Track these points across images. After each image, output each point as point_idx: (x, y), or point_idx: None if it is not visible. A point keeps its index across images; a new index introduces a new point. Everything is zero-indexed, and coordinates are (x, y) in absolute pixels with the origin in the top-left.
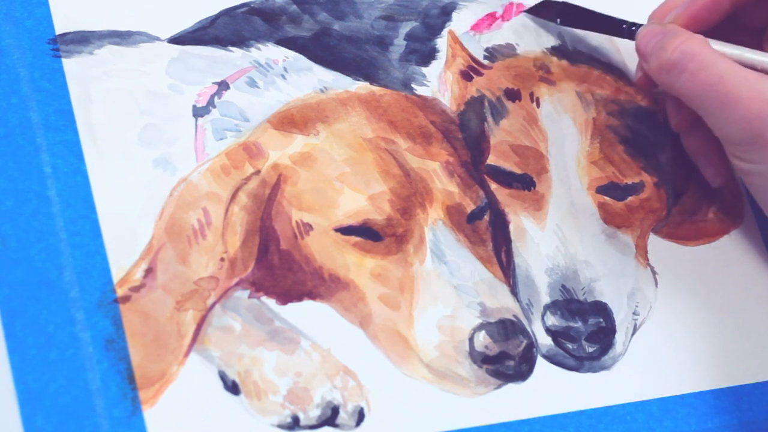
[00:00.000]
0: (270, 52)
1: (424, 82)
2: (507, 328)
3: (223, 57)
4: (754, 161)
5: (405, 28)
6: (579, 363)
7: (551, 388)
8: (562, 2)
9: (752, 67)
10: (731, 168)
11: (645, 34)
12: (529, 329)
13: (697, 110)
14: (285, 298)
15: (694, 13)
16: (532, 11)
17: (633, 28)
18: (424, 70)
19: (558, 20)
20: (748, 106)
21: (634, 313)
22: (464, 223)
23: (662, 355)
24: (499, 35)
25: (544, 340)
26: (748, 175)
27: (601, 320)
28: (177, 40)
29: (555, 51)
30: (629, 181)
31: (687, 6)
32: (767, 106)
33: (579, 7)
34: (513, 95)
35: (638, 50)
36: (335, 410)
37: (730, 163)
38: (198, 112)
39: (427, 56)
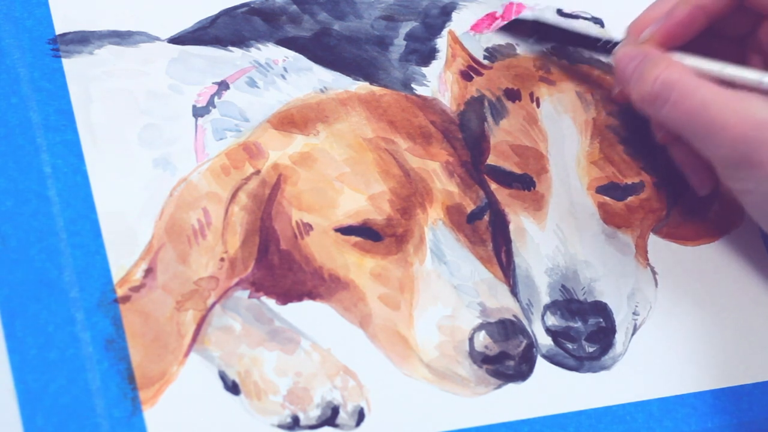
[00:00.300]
0: (270, 52)
1: (424, 82)
2: (507, 328)
3: (223, 57)
4: (744, 181)
5: (405, 28)
6: (579, 363)
7: (551, 388)
8: (533, 21)
9: (733, 83)
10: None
11: (622, 57)
12: (529, 329)
13: (683, 136)
14: (285, 298)
15: (671, 29)
16: (506, 29)
17: (608, 45)
18: (424, 70)
19: (532, 39)
20: (733, 131)
21: (634, 313)
22: (464, 223)
23: (662, 355)
24: (499, 35)
25: (544, 340)
26: (740, 194)
27: (601, 320)
28: (177, 40)
29: (555, 51)
30: (629, 181)
31: (663, 22)
32: (752, 129)
33: (551, 25)
34: (513, 95)
35: (617, 73)
36: (335, 410)
37: (722, 184)
38: (198, 112)
39: (427, 56)
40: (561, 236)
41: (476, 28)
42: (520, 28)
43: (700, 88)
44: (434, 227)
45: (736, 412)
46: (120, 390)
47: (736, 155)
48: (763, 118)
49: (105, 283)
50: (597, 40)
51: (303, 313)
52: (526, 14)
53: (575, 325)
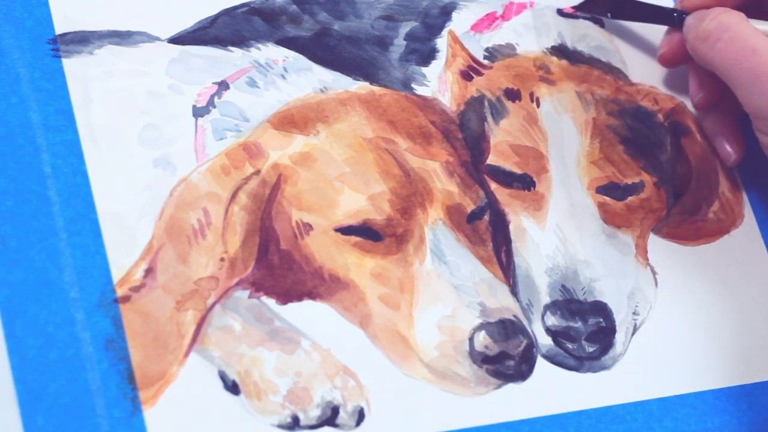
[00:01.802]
0: (270, 52)
1: (424, 82)
2: (507, 328)
3: (223, 57)
4: None
5: (405, 28)
6: (579, 363)
7: (551, 388)
8: None
9: None
10: (751, 144)
11: (693, 14)
12: (529, 329)
13: (728, 81)
14: (285, 298)
15: None
16: (583, 8)
17: (683, 15)
18: (424, 70)
19: (609, 14)
20: None
21: (634, 313)
22: (464, 223)
23: (662, 355)
24: (499, 35)
25: (544, 340)
26: None
27: (601, 320)
28: (177, 40)
29: (555, 51)
30: (629, 181)
31: None
32: None
33: (625, 0)
34: (513, 95)
35: (685, 28)
36: (335, 410)
37: (758, 140)
38: (198, 112)
39: (427, 56)
40: (561, 236)
41: (476, 28)
42: (596, 4)
43: (754, 35)
44: (434, 227)
45: (736, 412)
46: (120, 390)
47: None
48: None
49: (105, 283)
50: (672, 11)
51: (303, 313)
52: None
53: (575, 325)
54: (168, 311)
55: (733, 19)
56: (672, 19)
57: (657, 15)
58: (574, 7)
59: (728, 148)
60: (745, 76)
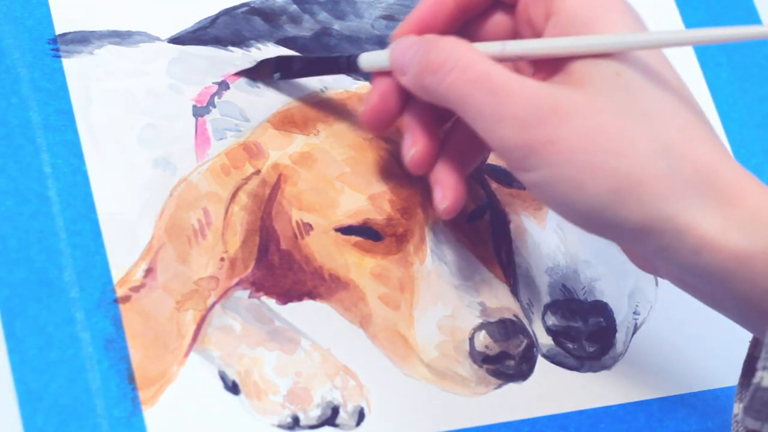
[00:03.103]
0: (270, 52)
1: None
2: (507, 328)
3: (223, 57)
4: (534, 168)
5: None
6: (579, 363)
7: (551, 387)
8: (276, 58)
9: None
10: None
11: (400, 46)
12: (529, 329)
13: (465, 114)
14: (285, 298)
15: (423, 15)
16: (249, 74)
17: (351, 58)
18: None
19: (276, 75)
20: (518, 100)
21: (634, 313)
22: (464, 222)
23: (663, 355)
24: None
25: (545, 340)
26: (535, 187)
27: (602, 320)
28: (177, 40)
29: None
30: None
31: (413, 12)
32: (535, 100)
33: (291, 57)
34: None
35: (394, 64)
36: (335, 410)
37: (519, 180)
38: (198, 112)
39: None
40: (561, 236)
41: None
42: (263, 69)
43: (486, 61)
44: (435, 227)
45: None
46: (120, 390)
47: (521, 133)
48: (544, 92)
49: (105, 283)
50: (338, 57)
51: (303, 313)
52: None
53: (576, 325)
54: (168, 311)
55: (462, 47)
56: (339, 66)
57: (328, 65)
58: (237, 73)
59: (440, 195)
60: (484, 101)
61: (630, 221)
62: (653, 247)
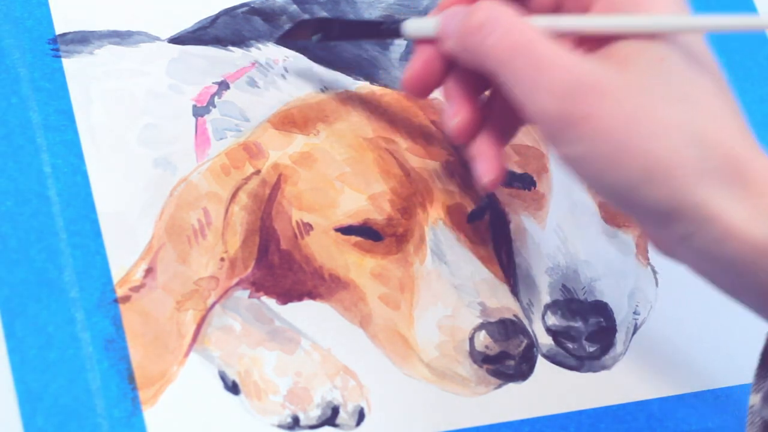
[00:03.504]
0: (270, 52)
1: None
2: (507, 328)
3: (223, 57)
4: (569, 142)
5: None
6: (579, 363)
7: (551, 387)
8: (316, 20)
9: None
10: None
11: (449, 12)
12: (529, 329)
13: (503, 79)
14: (285, 298)
15: None
16: (287, 35)
17: (393, 25)
18: None
19: (314, 38)
20: (560, 72)
21: (634, 313)
22: (464, 222)
23: (662, 354)
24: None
25: (545, 340)
26: (568, 161)
27: (602, 320)
28: (177, 40)
29: None
30: None
31: None
32: (576, 74)
33: (333, 20)
34: None
35: (442, 30)
36: (335, 410)
37: (553, 152)
38: (198, 112)
39: None
40: (561, 236)
41: None
42: (302, 30)
43: (529, 28)
44: (435, 227)
45: (736, 412)
46: (120, 390)
47: (561, 103)
48: (586, 67)
49: (105, 283)
50: (381, 22)
51: (303, 313)
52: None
53: (576, 325)
54: (168, 311)
55: (505, 11)
56: (382, 31)
57: (370, 30)
58: (278, 41)
59: (484, 166)
60: (524, 68)
61: (659, 204)
62: (678, 234)
